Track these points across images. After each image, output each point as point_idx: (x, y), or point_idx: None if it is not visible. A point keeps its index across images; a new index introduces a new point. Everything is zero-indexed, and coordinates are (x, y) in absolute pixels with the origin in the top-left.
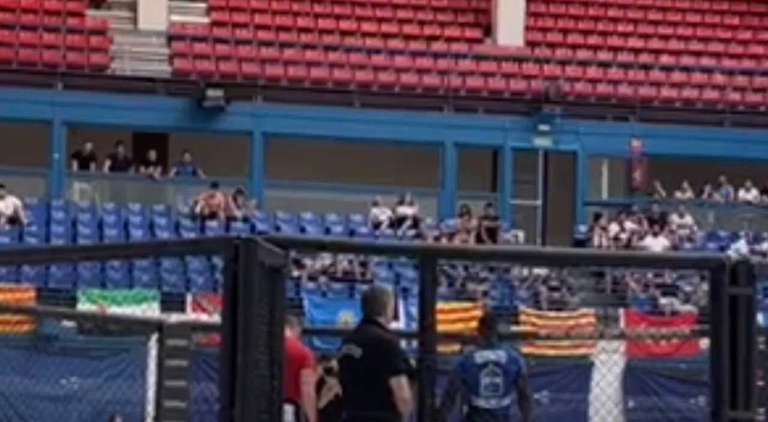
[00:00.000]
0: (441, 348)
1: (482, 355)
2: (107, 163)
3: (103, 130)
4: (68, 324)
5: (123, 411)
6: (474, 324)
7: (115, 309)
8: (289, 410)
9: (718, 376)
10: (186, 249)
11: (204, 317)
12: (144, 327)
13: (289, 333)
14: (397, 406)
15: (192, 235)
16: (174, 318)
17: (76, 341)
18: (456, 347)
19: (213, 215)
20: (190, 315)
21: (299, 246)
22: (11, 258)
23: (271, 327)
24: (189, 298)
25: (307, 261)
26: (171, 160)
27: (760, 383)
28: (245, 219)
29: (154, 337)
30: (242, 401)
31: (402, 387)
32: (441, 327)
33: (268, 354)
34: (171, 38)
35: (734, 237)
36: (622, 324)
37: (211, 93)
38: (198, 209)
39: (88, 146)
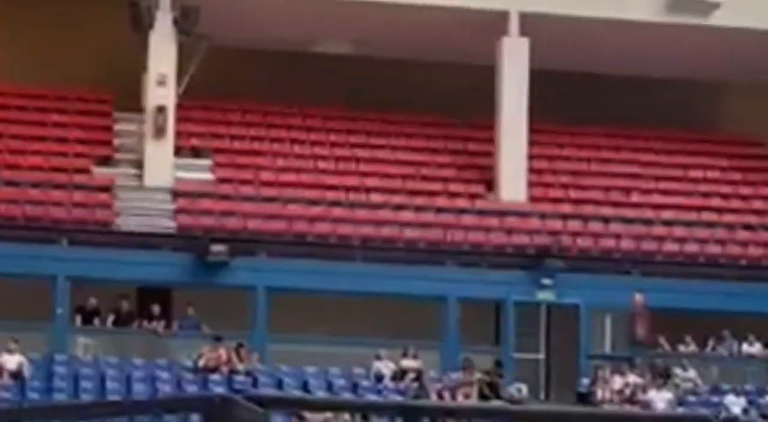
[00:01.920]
0: None
1: None
2: (111, 318)
3: (107, 285)
4: None
5: None
6: None
7: None
8: None
9: None
10: (166, 407)
11: None
12: None
13: None
14: None
15: (194, 388)
16: None
17: None
18: None
19: (216, 369)
20: None
21: (280, 405)
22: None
23: None
24: None
25: (308, 415)
26: (175, 314)
27: None
28: (248, 373)
29: None
30: None
31: None
32: None
33: None
34: (176, 194)
35: (736, 392)
36: None
37: (214, 248)
38: (201, 363)
39: (92, 301)
